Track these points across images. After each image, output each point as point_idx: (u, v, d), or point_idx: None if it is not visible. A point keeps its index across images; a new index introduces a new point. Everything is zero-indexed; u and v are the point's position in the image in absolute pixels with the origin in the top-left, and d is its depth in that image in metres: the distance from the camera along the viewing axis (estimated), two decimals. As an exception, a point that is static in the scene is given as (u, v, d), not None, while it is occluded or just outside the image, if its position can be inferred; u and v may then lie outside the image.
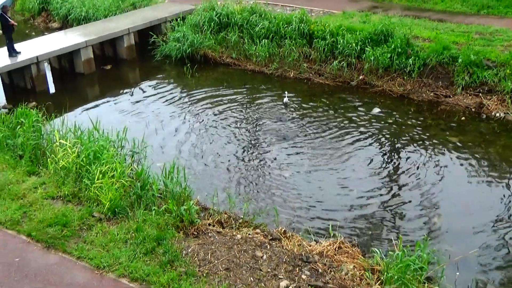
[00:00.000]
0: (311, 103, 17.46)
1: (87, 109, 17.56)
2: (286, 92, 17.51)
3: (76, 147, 11.94)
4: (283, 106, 17.20)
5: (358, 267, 9.53)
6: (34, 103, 17.13)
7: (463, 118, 16.18)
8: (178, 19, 22.43)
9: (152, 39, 22.13)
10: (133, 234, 9.73)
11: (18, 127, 13.39)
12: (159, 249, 9.38)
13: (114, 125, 14.31)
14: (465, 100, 16.81)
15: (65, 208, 10.45)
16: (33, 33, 26.32)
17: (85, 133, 12.96)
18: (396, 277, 9.00)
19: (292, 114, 16.75)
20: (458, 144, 14.74)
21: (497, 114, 16.06)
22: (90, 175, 11.02)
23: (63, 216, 10.14)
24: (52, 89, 19.24)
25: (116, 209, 10.36)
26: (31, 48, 19.55)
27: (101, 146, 11.89)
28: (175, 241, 9.68)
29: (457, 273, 9.84)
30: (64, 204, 10.70)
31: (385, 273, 9.16)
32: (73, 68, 20.71)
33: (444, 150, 14.44)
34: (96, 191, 10.58)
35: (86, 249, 9.42)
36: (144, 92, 18.92)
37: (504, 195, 12.41)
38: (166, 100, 18.03)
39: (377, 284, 9.06)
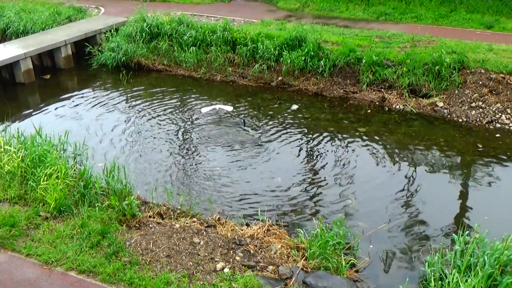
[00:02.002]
0: (237, 103, 17.47)
1: (29, 116, 16.81)
2: (218, 105, 16.51)
3: (21, 152, 11.44)
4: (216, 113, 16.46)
5: (285, 246, 9.65)
6: (-24, 112, 16.25)
7: (369, 111, 16.66)
8: (112, 30, 21.85)
9: (88, 49, 21.49)
10: (79, 230, 9.47)
11: (-38, 135, 12.67)
12: (104, 242, 9.16)
13: (56, 130, 13.80)
14: (370, 95, 17.31)
15: (12, 210, 10.02)
16: (-27, 47, 24.92)
17: (28, 138, 12.43)
18: (318, 252, 9.19)
19: (221, 114, 16.69)
20: (366, 133, 15.17)
21: (397, 107, 16.63)
22: (35, 177, 10.61)
23: (10, 217, 9.72)
24: (-7, 99, 18.35)
25: (61, 208, 10.03)
26: (-28, 61, 18.52)
27: (44, 150, 11.44)
28: (118, 234, 9.49)
29: (371, 246, 10.14)
30: (11, 206, 10.26)
31: (309, 250, 9.33)
32: (14, 79, 19.78)
33: (354, 139, 14.82)
34: (42, 192, 10.21)
35: (34, 246, 9.08)
36: (83, 98, 18.30)
37: (405, 176, 12.88)
38: (104, 105, 17.53)
39: (302, 260, 9.20)
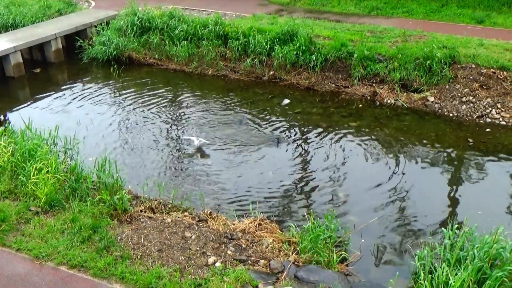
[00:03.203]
0: (228, 97, 17.45)
1: (19, 110, 16.69)
2: (196, 138, 14.07)
3: (11, 146, 11.37)
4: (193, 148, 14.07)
5: (276, 240, 9.68)
6: (-35, 107, 16.15)
7: (360, 105, 16.69)
8: (103, 24, 21.75)
9: (79, 43, 21.36)
10: (70, 225, 9.43)
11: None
12: (95, 237, 9.14)
13: (46, 124, 13.70)
14: (361, 90, 17.34)
15: (2, 204, 9.95)
16: (-38, 40, 24.65)
17: (18, 133, 12.34)
18: (309, 246, 9.22)
19: (212, 108, 16.66)
20: (357, 128, 15.21)
21: (389, 101, 16.69)
22: (26, 172, 10.55)
23: (0, 212, 9.65)
24: (-17, 93, 18.20)
25: (52, 202, 9.99)
26: (-39, 55, 18.34)
27: (34, 144, 11.38)
28: (110, 228, 9.46)
29: (362, 240, 10.19)
30: (1, 200, 10.19)
31: (300, 244, 9.36)
32: (4, 73, 19.60)
33: (346, 133, 14.86)
34: (32, 187, 10.15)
35: (24, 241, 9.04)
36: (73, 92, 18.20)
37: (396, 171, 12.93)
38: (95, 99, 17.44)
39: (293, 254, 9.23)
